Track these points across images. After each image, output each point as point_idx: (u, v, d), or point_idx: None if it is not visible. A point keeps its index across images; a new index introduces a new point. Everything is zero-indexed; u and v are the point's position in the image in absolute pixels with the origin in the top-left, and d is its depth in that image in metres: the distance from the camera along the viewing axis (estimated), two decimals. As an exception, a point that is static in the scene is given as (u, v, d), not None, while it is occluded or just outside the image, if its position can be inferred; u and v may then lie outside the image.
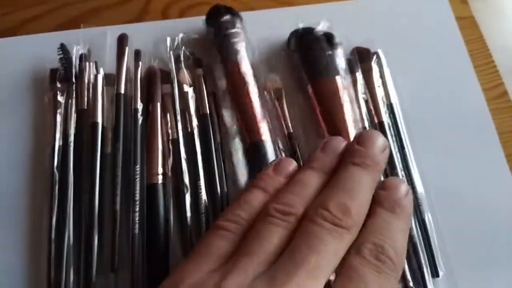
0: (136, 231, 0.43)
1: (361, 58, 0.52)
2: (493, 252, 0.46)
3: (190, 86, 0.50)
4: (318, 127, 0.48)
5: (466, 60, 0.54)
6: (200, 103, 0.49)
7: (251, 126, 0.47)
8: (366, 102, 0.50)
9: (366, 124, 0.49)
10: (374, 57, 0.52)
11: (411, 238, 0.44)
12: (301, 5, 0.57)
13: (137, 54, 0.50)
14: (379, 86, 0.51)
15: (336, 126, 0.47)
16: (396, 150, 0.48)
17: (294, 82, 0.51)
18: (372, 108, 0.50)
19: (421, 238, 0.45)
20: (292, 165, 0.38)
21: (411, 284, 0.43)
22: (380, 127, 0.49)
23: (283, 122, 0.49)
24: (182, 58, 0.51)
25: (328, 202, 0.34)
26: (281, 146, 0.47)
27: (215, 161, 0.47)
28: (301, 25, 0.52)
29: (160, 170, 0.45)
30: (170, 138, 0.47)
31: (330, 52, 0.49)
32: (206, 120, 0.48)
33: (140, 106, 0.48)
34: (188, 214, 0.45)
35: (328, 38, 0.50)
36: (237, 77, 0.49)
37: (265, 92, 0.50)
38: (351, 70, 0.51)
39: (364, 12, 0.57)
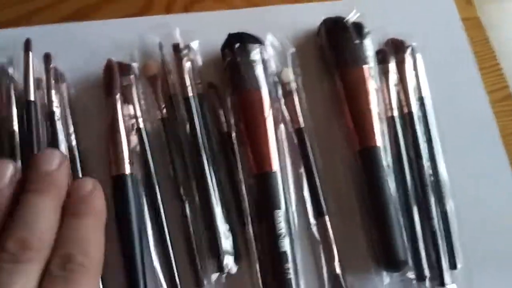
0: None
1: (396, 49, 0.52)
2: (504, 248, 0.46)
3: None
4: (342, 117, 0.49)
5: (471, 62, 0.54)
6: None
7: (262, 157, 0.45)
8: (398, 92, 0.50)
9: (395, 113, 0.49)
10: (409, 50, 0.52)
11: (431, 227, 0.45)
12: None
13: (47, 58, 0.47)
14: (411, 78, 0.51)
15: (361, 114, 0.47)
16: (424, 141, 0.49)
17: (321, 70, 0.52)
18: (403, 98, 0.50)
19: (441, 228, 0.45)
20: None
21: (427, 273, 0.44)
22: (409, 117, 0.49)
23: (294, 117, 0.49)
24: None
25: (5, 242, 0.32)
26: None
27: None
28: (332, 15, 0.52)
29: (127, 161, 0.44)
30: (136, 127, 0.47)
31: (357, 42, 0.50)
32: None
33: (56, 109, 0.46)
34: (161, 205, 0.45)
35: (358, 28, 0.51)
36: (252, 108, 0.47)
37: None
38: (384, 60, 0.51)
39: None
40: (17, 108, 0.45)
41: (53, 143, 0.45)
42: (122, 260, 0.42)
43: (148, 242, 0.43)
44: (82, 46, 0.51)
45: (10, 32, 0.50)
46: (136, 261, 0.41)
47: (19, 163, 0.43)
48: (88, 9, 0.54)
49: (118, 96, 0.46)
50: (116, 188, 0.43)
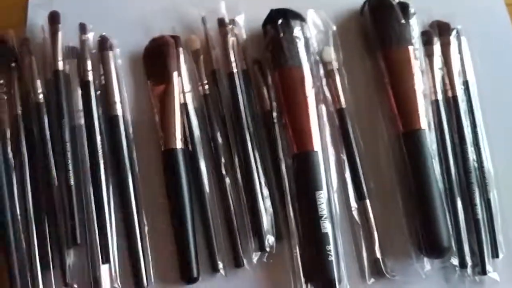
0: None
1: (440, 32, 0.50)
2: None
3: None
4: (385, 98, 0.47)
5: None
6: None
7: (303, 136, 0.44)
8: (442, 75, 0.49)
9: (439, 96, 0.48)
10: (454, 32, 0.50)
11: (474, 215, 0.43)
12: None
13: (82, 28, 0.48)
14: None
15: (405, 96, 0.46)
16: (468, 125, 0.47)
17: (363, 49, 0.50)
18: (447, 82, 0.48)
19: (484, 217, 0.44)
20: None
21: (468, 261, 0.42)
22: (454, 101, 0.48)
23: (335, 97, 0.48)
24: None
25: None
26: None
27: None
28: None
29: (179, 136, 0.44)
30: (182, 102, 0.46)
31: (403, 21, 0.48)
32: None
33: (91, 77, 0.46)
34: (205, 180, 0.44)
35: (403, 7, 0.49)
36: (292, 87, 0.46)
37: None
38: (428, 42, 0.49)
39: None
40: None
41: (88, 113, 0.44)
42: (173, 235, 0.42)
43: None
44: (125, 17, 0.50)
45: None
46: (188, 237, 0.41)
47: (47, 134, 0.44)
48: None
49: (174, 72, 0.46)
50: (167, 163, 0.43)
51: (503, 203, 0.45)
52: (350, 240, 0.43)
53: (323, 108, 0.47)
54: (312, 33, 0.50)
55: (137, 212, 0.42)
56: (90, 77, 0.46)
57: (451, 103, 0.48)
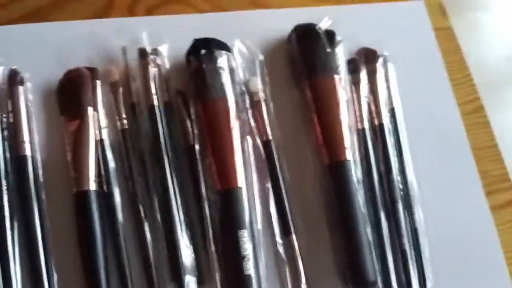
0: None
1: (367, 59, 0.50)
2: (474, 266, 0.45)
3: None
4: (311, 129, 0.46)
5: (443, 73, 0.53)
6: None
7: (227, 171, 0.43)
8: (368, 103, 0.48)
9: (366, 125, 0.48)
10: (381, 59, 0.50)
11: (400, 245, 0.43)
12: (303, 7, 0.54)
13: None
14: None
15: (331, 126, 0.45)
16: (395, 154, 0.47)
17: (290, 79, 0.50)
18: (373, 110, 0.48)
19: (411, 246, 0.44)
20: None
21: None
22: (380, 130, 0.48)
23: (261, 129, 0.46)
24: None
25: None
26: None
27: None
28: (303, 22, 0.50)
29: (92, 177, 0.41)
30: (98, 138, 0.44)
31: (329, 50, 0.48)
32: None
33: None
34: (121, 225, 0.41)
35: (329, 35, 0.49)
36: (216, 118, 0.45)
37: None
38: (355, 70, 0.49)
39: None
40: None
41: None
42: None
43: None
44: (37, 49, 0.48)
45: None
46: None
47: None
48: (40, 11, 0.51)
49: (89, 107, 0.44)
50: (79, 206, 0.41)
51: (429, 231, 0.44)
52: (276, 278, 0.42)
53: (249, 140, 0.46)
54: (238, 63, 0.49)
55: (46, 262, 0.39)
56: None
57: (378, 131, 0.47)
